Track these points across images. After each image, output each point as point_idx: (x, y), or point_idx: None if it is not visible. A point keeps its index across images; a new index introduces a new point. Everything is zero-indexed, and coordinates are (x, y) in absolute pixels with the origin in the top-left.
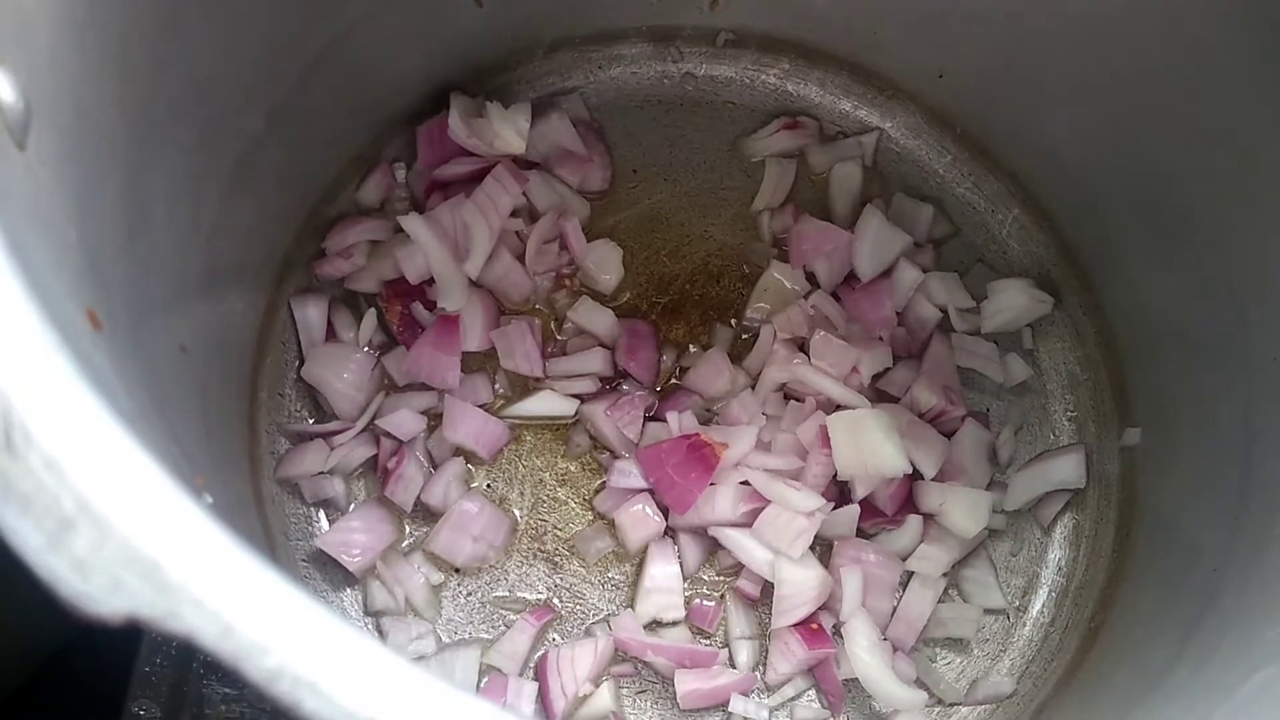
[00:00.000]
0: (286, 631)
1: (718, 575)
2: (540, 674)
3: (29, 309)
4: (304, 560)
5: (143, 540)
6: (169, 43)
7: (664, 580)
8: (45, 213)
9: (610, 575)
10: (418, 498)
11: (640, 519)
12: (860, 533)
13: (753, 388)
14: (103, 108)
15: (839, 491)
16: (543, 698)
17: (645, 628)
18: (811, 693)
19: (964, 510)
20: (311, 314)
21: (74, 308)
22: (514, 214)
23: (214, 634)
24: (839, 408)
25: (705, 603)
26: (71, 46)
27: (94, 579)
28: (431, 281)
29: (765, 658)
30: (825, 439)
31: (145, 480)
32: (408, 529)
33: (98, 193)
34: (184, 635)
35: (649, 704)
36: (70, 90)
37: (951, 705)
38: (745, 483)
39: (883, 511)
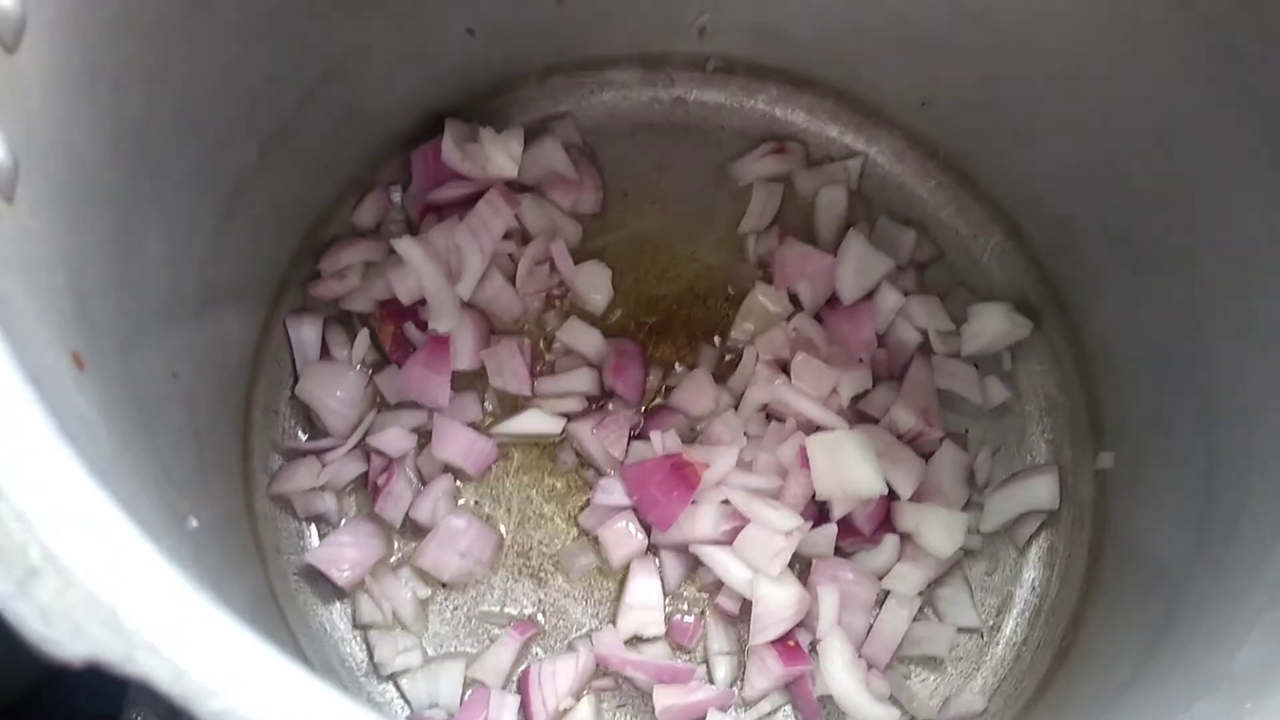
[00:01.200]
0: (233, 675)
1: (698, 591)
2: (522, 687)
3: (6, 365)
4: (295, 574)
5: (102, 588)
6: (161, 84)
7: (645, 597)
8: (31, 260)
9: (593, 591)
10: (406, 514)
11: (623, 536)
12: (839, 551)
13: (736, 408)
14: (94, 152)
15: (818, 510)
16: (524, 711)
17: (626, 643)
18: (788, 708)
19: (939, 530)
20: (306, 333)
21: (56, 353)
22: (506, 236)
23: (166, 677)
24: (819, 429)
25: (685, 619)
26: (63, 98)
27: (57, 625)
28: (424, 302)
29: (743, 673)
30: (805, 459)
31: (109, 529)
32: (397, 544)
33: (89, 233)
34: (139, 678)
35: (628, 718)
36: (62, 139)
37: None
38: (726, 501)
39: (860, 530)
